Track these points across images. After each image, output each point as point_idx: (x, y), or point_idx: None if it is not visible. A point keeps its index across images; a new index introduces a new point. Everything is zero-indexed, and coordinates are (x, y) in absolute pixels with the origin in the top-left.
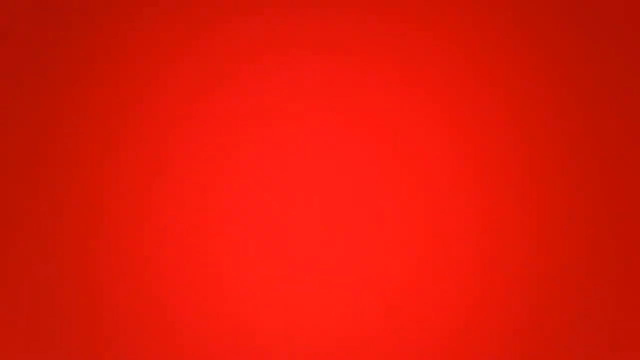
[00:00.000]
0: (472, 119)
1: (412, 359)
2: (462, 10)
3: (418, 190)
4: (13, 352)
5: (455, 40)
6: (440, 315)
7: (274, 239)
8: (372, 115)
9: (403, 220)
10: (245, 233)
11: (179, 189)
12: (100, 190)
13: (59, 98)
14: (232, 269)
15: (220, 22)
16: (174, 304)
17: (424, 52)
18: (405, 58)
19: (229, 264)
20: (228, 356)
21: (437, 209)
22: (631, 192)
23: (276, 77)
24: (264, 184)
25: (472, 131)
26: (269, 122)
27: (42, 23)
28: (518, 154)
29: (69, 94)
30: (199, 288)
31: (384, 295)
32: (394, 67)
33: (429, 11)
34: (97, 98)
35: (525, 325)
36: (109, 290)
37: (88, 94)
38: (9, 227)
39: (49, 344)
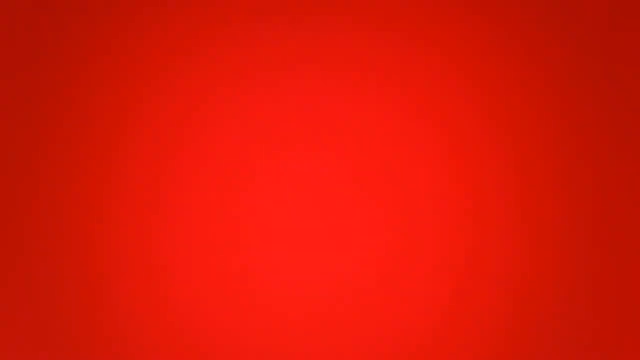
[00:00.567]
0: (458, 121)
1: (399, 357)
2: (455, 20)
3: (403, 192)
4: (16, 351)
5: (444, 48)
6: (430, 312)
7: (276, 239)
8: (363, 119)
9: (390, 220)
10: (248, 233)
11: (183, 188)
12: (103, 189)
13: (63, 97)
14: (234, 268)
15: (225, 27)
16: (177, 303)
17: (415, 60)
18: (397, 67)
19: (232, 263)
20: (230, 355)
21: (424, 209)
22: (618, 191)
23: (278, 81)
24: (266, 184)
25: (460, 133)
26: (272, 125)
27: (46, 22)
28: (505, 155)
29: (73, 93)
30: (201, 288)
31: (368, 294)
32: (386, 74)
33: (425, 24)
34: (101, 98)
35: (509, 324)
36: (112, 289)
37: (92, 93)
38: (11, 227)
39: (52, 344)
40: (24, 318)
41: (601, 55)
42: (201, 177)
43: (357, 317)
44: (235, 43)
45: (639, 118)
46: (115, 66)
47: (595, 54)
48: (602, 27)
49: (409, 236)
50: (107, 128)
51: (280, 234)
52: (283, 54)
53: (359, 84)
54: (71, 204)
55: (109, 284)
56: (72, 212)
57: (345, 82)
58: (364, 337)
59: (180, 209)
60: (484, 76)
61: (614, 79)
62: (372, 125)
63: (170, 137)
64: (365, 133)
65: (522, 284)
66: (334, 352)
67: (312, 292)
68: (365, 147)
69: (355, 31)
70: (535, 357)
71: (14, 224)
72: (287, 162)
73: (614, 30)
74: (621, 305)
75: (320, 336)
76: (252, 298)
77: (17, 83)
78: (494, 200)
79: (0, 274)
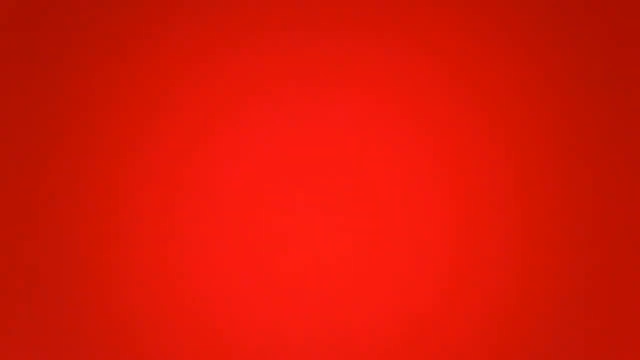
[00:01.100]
0: (456, 124)
1: (399, 356)
2: (453, 24)
3: (401, 191)
4: (25, 352)
5: (443, 52)
6: (426, 311)
7: (278, 239)
8: (366, 123)
9: (387, 221)
10: (253, 232)
11: (192, 191)
12: (113, 191)
13: (73, 100)
14: (240, 269)
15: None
16: (185, 303)
17: (413, 65)
18: (395, 72)
19: (239, 264)
20: (239, 353)
21: (421, 210)
22: (617, 191)
23: (286, 91)
24: (268, 185)
25: (458, 135)
26: (274, 129)
27: (56, 23)
28: (503, 157)
29: (84, 98)
30: (209, 287)
31: (369, 293)
32: (384, 78)
33: (422, 28)
34: (113, 102)
35: (506, 324)
36: (122, 289)
37: (104, 97)
38: (23, 229)
39: (61, 343)
40: (33, 319)
41: (600, 56)
42: (210, 179)
43: (359, 317)
44: (240, 51)
45: (639, 119)
46: (128, 71)
47: (594, 55)
48: (601, 27)
49: (406, 237)
50: (118, 131)
51: (283, 234)
52: (282, 64)
53: (358, 90)
54: (81, 205)
55: (118, 285)
56: (83, 214)
57: (343, 88)
58: (366, 336)
59: (189, 210)
60: (482, 79)
61: (613, 80)
62: (369, 129)
63: (181, 140)
64: (363, 136)
65: (518, 284)
66: (334, 350)
67: (314, 292)
68: (363, 149)
69: (353, 37)
70: (531, 357)
71: (26, 226)
72: (290, 164)
73: (613, 31)
74: (619, 305)
75: (324, 333)
76: (261, 297)
77: (28, 89)
78: (491, 201)
79: (10, 275)
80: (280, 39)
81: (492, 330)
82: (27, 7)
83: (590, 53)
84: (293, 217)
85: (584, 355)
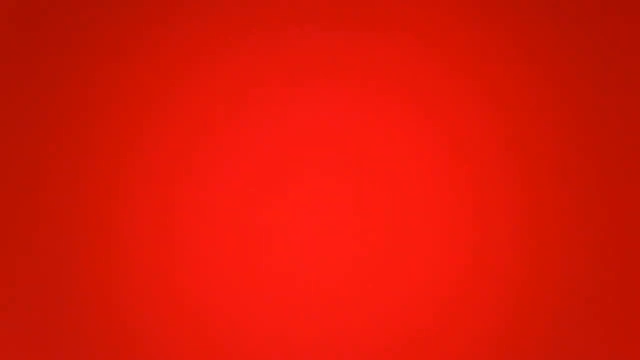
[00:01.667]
0: (463, 121)
1: (401, 357)
2: (459, 23)
3: (409, 193)
4: (25, 352)
5: (449, 51)
6: (429, 314)
7: (282, 239)
8: (367, 120)
9: (393, 222)
10: (255, 233)
11: (192, 190)
12: (113, 191)
13: (73, 100)
14: (242, 269)
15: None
16: (185, 303)
17: (419, 65)
18: (401, 69)
19: (241, 262)
20: (239, 353)
21: (428, 211)
22: (623, 192)
23: (284, 89)
24: (272, 185)
25: (464, 133)
26: (279, 131)
27: (56, 23)
28: (509, 157)
29: (83, 97)
30: (209, 287)
31: (373, 294)
32: (389, 77)
33: (429, 27)
34: (112, 101)
35: (513, 325)
36: (122, 289)
37: (104, 96)
38: (23, 229)
39: (62, 344)
40: (33, 319)
41: (610, 57)
42: (210, 179)
43: (363, 317)
44: (238, 51)
45: None
46: (127, 71)
47: (604, 56)
48: (610, 28)
49: (413, 238)
50: (117, 130)
51: (286, 234)
52: (287, 62)
53: (363, 89)
54: (82, 204)
55: (118, 284)
56: (83, 213)
57: (348, 87)
58: (370, 336)
59: (190, 210)
60: (489, 78)
61: (622, 80)
62: (375, 128)
63: (180, 139)
64: (368, 136)
65: (525, 285)
66: (336, 349)
67: (316, 292)
68: (368, 148)
69: (359, 36)
70: (537, 357)
71: (25, 226)
72: (294, 164)
73: (620, 32)
74: (626, 305)
75: (325, 332)
76: (261, 297)
77: (26, 89)
78: (497, 202)
79: (10, 275)
80: (279, 36)
81: (501, 333)
82: (26, 7)
83: (599, 48)
84: (294, 217)
85: (596, 356)
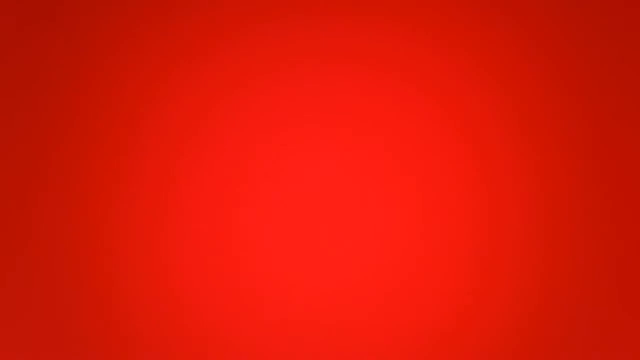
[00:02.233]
0: (471, 119)
1: (407, 357)
2: (466, 14)
3: (418, 190)
4: (24, 351)
5: (458, 44)
6: (436, 314)
7: (285, 240)
8: (374, 117)
9: (403, 220)
10: (255, 233)
11: (190, 189)
12: (109, 191)
13: (71, 99)
14: (242, 269)
15: (234, 28)
16: (183, 304)
17: (426, 55)
18: (408, 62)
19: (240, 263)
20: (237, 355)
21: (436, 209)
22: (632, 191)
23: (285, 83)
24: (276, 185)
25: (471, 132)
26: (278, 128)
27: (56, 23)
28: (522, 154)
29: (82, 95)
30: (208, 289)
31: (382, 296)
32: (397, 71)
33: (433, 17)
34: (109, 100)
35: (522, 324)
36: (119, 290)
37: (101, 94)
38: (19, 228)
39: (59, 343)
40: (30, 318)
41: (623, 54)
42: (208, 178)
43: (368, 317)
44: (245, 41)
45: None
46: (123, 68)
47: (618, 53)
48: (623, 26)
49: (424, 235)
50: (114, 130)
51: (290, 234)
52: (299, 51)
53: (376, 82)
54: (79, 205)
55: (114, 285)
56: (79, 213)
57: (361, 80)
58: (375, 337)
59: (187, 209)
60: (503, 73)
61: (636, 76)
62: (388, 122)
63: (177, 138)
64: (381, 130)
65: (538, 285)
66: (339, 354)
67: (319, 292)
68: (381, 144)
69: (373, 28)
70: (550, 357)
71: (22, 225)
72: (301, 160)
73: (634, 29)
74: (638, 304)
75: (326, 336)
76: (258, 299)
77: (27, 87)
78: (510, 200)
79: (8, 274)
80: (277, 29)
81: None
82: (26, 7)
83: (610, 40)
84: (294, 217)
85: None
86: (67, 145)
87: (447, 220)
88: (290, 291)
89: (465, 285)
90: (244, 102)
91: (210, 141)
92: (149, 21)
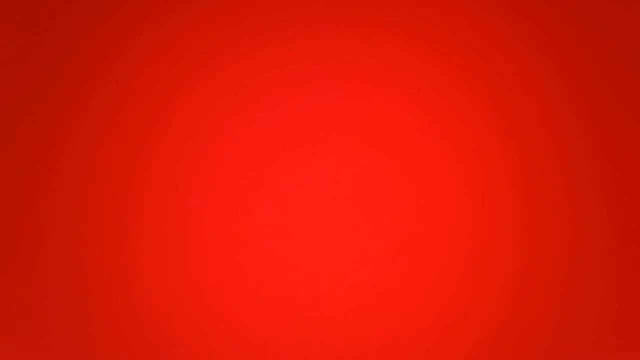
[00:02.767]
0: (470, 119)
1: (408, 356)
2: (466, 15)
3: (416, 191)
4: (28, 352)
5: (458, 44)
6: (437, 314)
7: (287, 240)
8: (375, 117)
9: (403, 220)
10: (259, 234)
11: (195, 189)
12: (115, 191)
13: (75, 100)
14: (247, 269)
15: (234, 28)
16: (187, 304)
17: (426, 55)
18: (408, 62)
19: (245, 263)
20: (241, 355)
21: (436, 209)
22: (631, 192)
23: (285, 83)
24: (278, 185)
25: (471, 132)
26: (278, 128)
27: (57, 24)
28: (517, 155)
29: (86, 96)
30: (213, 289)
31: (384, 295)
32: (397, 71)
33: (433, 17)
34: (113, 101)
35: (520, 324)
36: (124, 290)
37: (104, 95)
38: (25, 229)
39: (63, 343)
40: (32, 318)
41: (620, 54)
42: (212, 178)
43: (368, 317)
44: (245, 41)
45: None
46: (124, 69)
47: (615, 52)
48: (621, 25)
49: (421, 234)
50: (117, 131)
51: (292, 235)
52: (299, 51)
53: (376, 82)
54: (83, 205)
55: (120, 285)
56: (84, 214)
57: (361, 80)
58: (375, 337)
59: (191, 209)
60: (503, 74)
61: (634, 78)
62: (388, 122)
63: (180, 138)
64: (380, 130)
65: (536, 285)
66: (340, 353)
67: (321, 292)
68: (378, 143)
69: (373, 29)
70: (549, 356)
71: (24, 226)
72: (301, 161)
73: (632, 29)
74: (637, 305)
75: (329, 335)
76: (263, 298)
77: (25, 88)
78: (509, 200)
79: (9, 274)
80: (277, 29)
81: (509, 331)
82: (26, 7)
83: (609, 39)
84: (295, 217)
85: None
86: (70, 146)
87: (447, 221)
88: (294, 290)
89: (465, 286)
90: (245, 101)
91: (212, 141)
92: (150, 22)
